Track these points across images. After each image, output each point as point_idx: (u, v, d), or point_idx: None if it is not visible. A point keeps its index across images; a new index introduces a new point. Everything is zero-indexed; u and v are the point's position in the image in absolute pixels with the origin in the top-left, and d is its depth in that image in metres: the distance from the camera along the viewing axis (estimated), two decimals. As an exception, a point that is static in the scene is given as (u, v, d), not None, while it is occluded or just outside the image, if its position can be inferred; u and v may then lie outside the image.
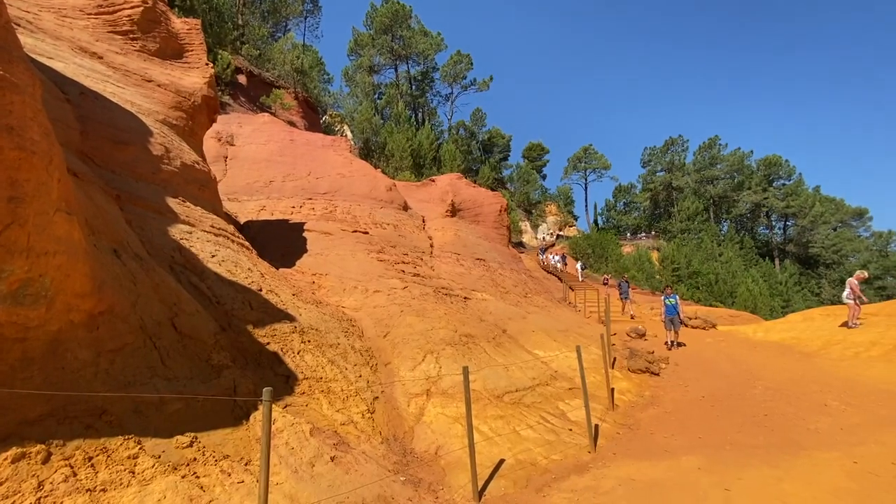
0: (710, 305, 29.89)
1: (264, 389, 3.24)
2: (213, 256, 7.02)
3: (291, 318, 6.81)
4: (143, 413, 3.72)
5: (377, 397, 6.21)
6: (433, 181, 21.79)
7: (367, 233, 12.85)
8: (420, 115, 52.84)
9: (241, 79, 26.78)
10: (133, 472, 3.26)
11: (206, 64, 10.74)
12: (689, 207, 56.01)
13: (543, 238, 53.99)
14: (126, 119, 7.76)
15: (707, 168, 59.17)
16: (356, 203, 14.58)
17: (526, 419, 6.53)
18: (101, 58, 9.05)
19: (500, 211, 21.70)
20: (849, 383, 8.03)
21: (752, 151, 58.65)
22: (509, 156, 63.15)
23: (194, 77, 10.14)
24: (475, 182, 31.43)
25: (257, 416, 4.54)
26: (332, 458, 4.43)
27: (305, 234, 12.36)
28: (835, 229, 53.87)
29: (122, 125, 7.54)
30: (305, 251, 11.52)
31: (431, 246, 15.52)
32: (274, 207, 13.77)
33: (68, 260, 3.38)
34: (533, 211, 58.86)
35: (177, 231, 6.87)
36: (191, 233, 7.14)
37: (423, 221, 17.22)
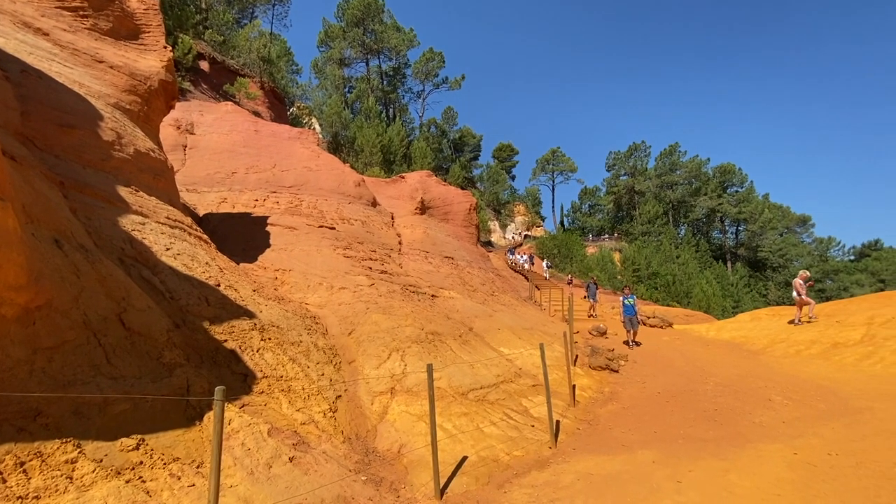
0: (668, 305, 31.20)
1: (217, 388, 3.10)
2: (167, 249, 6.68)
3: (251, 315, 6.58)
4: (83, 415, 3.48)
5: (340, 396, 6.10)
6: (403, 178, 21.63)
7: (333, 228, 12.59)
8: (391, 111, 52.36)
9: (204, 65, 25.65)
10: (71, 478, 3.05)
11: (165, 47, 10.20)
12: (650, 211, 58.18)
13: (513, 237, 54.74)
14: (73, 101, 7.27)
15: (667, 174, 61.62)
16: (323, 198, 14.27)
17: (490, 416, 6.58)
18: (46, 34, 8.43)
19: (470, 209, 21.79)
20: (791, 379, 8.55)
21: (709, 159, 61.59)
22: (480, 155, 63.66)
23: (151, 60, 9.61)
24: (445, 180, 31.44)
25: (211, 417, 4.35)
26: (291, 459, 4.30)
27: (269, 228, 11.99)
28: (781, 235, 57.32)
29: (69, 107, 7.06)
30: (269, 246, 11.18)
31: (400, 243, 15.41)
32: (236, 200, 13.28)
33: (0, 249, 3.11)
34: (502, 211, 59.53)
35: (128, 222, 6.50)
36: (144, 224, 6.77)
37: (392, 218, 17.07)
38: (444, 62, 52.30)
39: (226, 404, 4.70)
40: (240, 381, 5.36)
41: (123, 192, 7.07)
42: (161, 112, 9.91)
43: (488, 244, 44.20)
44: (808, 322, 12.12)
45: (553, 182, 70.35)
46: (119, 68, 8.86)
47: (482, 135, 62.25)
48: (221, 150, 15.60)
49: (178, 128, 15.88)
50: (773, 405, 7.24)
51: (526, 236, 55.77)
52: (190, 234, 7.98)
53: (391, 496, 4.46)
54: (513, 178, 68.17)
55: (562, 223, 70.03)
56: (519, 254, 36.50)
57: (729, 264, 55.96)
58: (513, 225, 59.16)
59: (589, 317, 18.25)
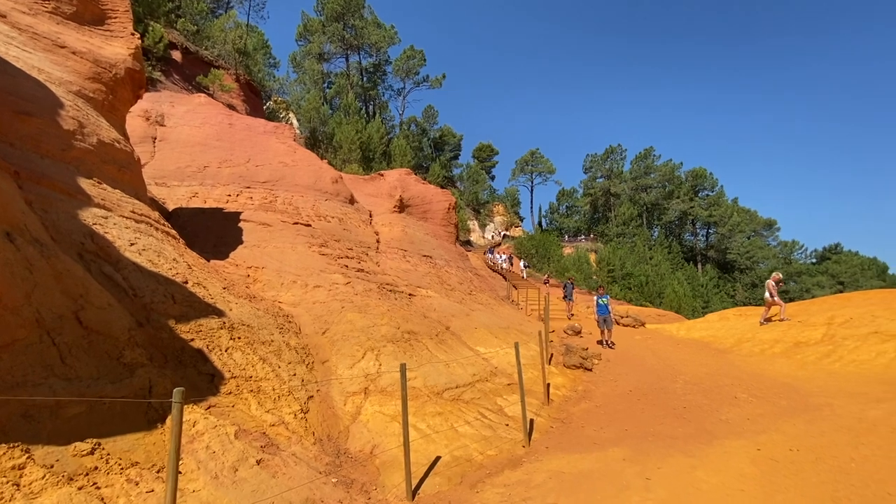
0: (641, 305, 31.93)
1: (175, 390, 2.97)
2: (132, 245, 6.42)
3: (220, 313, 6.38)
4: (34, 418, 3.29)
5: (312, 396, 5.97)
6: (382, 175, 21.43)
7: (309, 225, 12.36)
8: (371, 107, 51.88)
9: (176, 55, 24.81)
10: (18, 485, 2.87)
11: (132, 34, 9.80)
12: (625, 213, 59.46)
13: (492, 237, 55.06)
14: (32, 87, 6.90)
15: (642, 177, 63.07)
16: (299, 194, 14.00)
17: (464, 415, 6.57)
18: (3, 16, 7.98)
19: (449, 208, 21.77)
20: (756, 377, 8.84)
21: (681, 163, 63.31)
22: (460, 155, 63.76)
23: (117, 47, 9.21)
24: (425, 179, 31.34)
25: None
26: (259, 462, 4.18)
27: (242, 224, 11.68)
28: (749, 238, 59.45)
29: (27, 94, 6.69)
30: (241, 243, 10.89)
31: (378, 241, 15.26)
32: (208, 195, 12.89)
33: (-60, 242, 2.91)
34: (481, 210, 59.79)
35: (89, 215, 6.21)
36: (107, 218, 6.48)
37: (370, 216, 16.89)
38: (424, 60, 52.15)
39: (191, 406, 4.55)
40: (206, 381, 5.19)
41: (85, 184, 6.75)
42: (128, 102, 9.52)
43: (467, 244, 44.32)
44: (781, 322, 12.56)
45: (532, 183, 71.11)
46: (82, 54, 8.46)
47: (462, 134, 62.38)
48: (193, 143, 15.12)
49: (148, 119, 15.32)
50: (738, 402, 7.46)
51: (505, 236, 56.17)
52: (157, 229, 7.69)
53: (362, 498, 4.38)
54: (492, 178, 68.61)
55: (540, 224, 70.84)
56: (498, 253, 36.71)
57: (699, 266, 57.72)
58: (492, 225, 59.51)
59: (570, 316, 18.47)
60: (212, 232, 11.15)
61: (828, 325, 11.00)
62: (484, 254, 38.12)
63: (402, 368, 4.66)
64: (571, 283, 19.73)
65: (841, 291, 40.26)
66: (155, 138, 15.02)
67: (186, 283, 6.59)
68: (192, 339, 5.56)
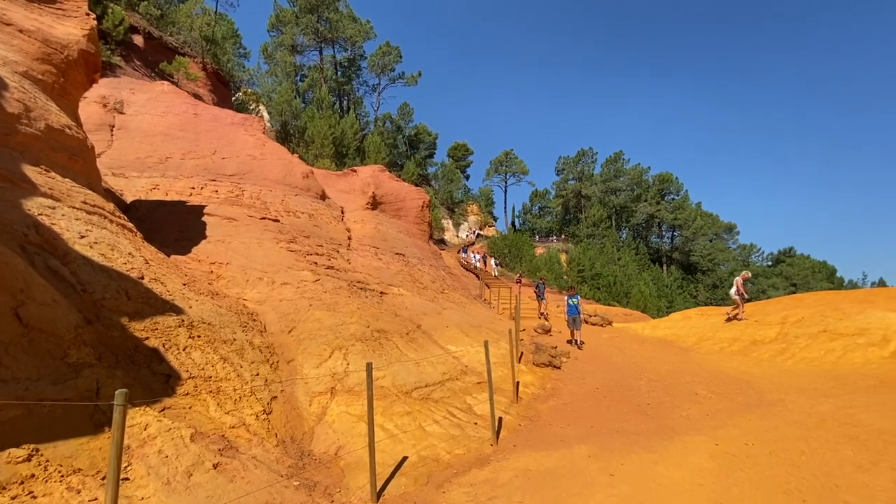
0: (609, 304, 32.74)
1: (117, 392, 2.79)
2: (82, 237, 6.04)
3: (179, 311, 6.09)
4: (-39, 423, 3.03)
5: (276, 397, 5.78)
6: (355, 171, 21.10)
7: (277, 220, 12.02)
8: (345, 102, 51.07)
9: (138, 40, 23.67)
10: (-61, 498, 2.63)
11: (88, 14, 9.24)
12: (595, 215, 60.81)
13: (466, 236, 55.21)
14: (-31, 66, 6.39)
15: (612, 180, 64.64)
16: (267, 188, 13.60)
17: (433, 414, 6.52)
18: (-62, -12, 7.37)
19: (423, 206, 21.66)
20: (715, 374, 9.18)
21: (649, 167, 65.23)
22: (435, 153, 63.58)
23: (70, 27, 8.67)
24: (400, 176, 31.09)
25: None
26: (215, 466, 4.00)
27: (206, 218, 11.24)
28: (711, 241, 61.89)
29: (-36, 72, 6.20)
30: (205, 237, 10.48)
31: (349, 238, 15.01)
32: (169, 187, 12.35)
33: None
34: (455, 209, 59.88)
35: (34, 205, 5.80)
36: (54, 208, 6.08)
37: (342, 212, 16.60)
38: (400, 57, 51.72)
39: (144, 408, 4.32)
40: (162, 382, 4.94)
41: (31, 171, 6.31)
42: (81, 86, 8.98)
43: (441, 242, 44.30)
44: (739, 321, 13.10)
45: (506, 183, 71.72)
46: (31, 33, 7.91)
47: (438, 133, 62.23)
48: (155, 132, 14.45)
49: (105, 106, 14.54)
50: (699, 399, 7.72)
51: (478, 235, 56.45)
52: (112, 221, 7.29)
53: (325, 501, 4.26)
54: (467, 177, 68.80)
55: (513, 224, 71.58)
56: (472, 252, 36.83)
57: (664, 267, 59.66)
58: (466, 224, 59.71)
59: (542, 315, 18.61)
60: (173, 226, 10.68)
61: (781, 324, 11.54)
62: (458, 252, 38.18)
63: (368, 368, 4.56)
64: (543, 283, 19.90)
65: (794, 292, 42.48)
66: (113, 126, 14.27)
67: (142, 278, 6.26)
68: (147, 338, 5.29)
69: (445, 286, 17.15)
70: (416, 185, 27.29)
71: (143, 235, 8.54)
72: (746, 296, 13.38)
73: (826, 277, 56.79)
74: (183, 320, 5.92)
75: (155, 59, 24.06)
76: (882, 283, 54.19)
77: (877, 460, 4.21)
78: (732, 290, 13.47)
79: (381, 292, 11.95)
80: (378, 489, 4.48)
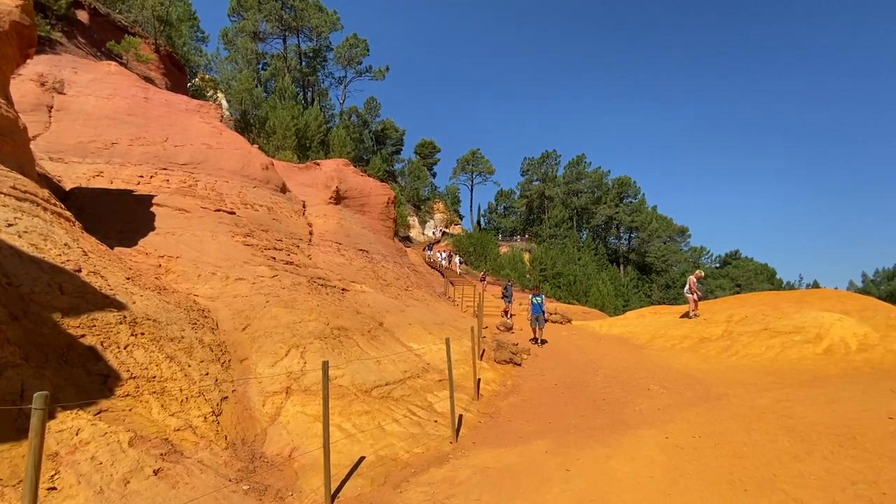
0: (569, 303, 33.63)
1: (36, 395, 2.54)
2: (9, 226, 5.54)
3: (121, 306, 5.69)
4: None
5: (226, 397, 5.51)
6: (318, 165, 20.55)
7: (233, 213, 11.51)
8: (309, 94, 49.72)
9: (82, 15, 22.00)
10: None
11: (21, -17, 8.47)
12: (558, 215, 62.31)
13: (433, 234, 55.14)
14: None
15: (574, 182, 66.45)
16: (224, 179, 12.99)
17: (393, 413, 6.43)
18: None
19: (388, 203, 21.40)
20: (666, 370, 9.57)
21: (609, 171, 67.55)
22: (402, 150, 63.10)
23: (0, -4, 7.91)
24: (365, 172, 30.60)
25: (53, 426, 3.64)
26: (157, 472, 3.75)
27: (155, 209, 10.60)
28: (665, 243, 64.85)
29: None
30: (153, 229, 9.88)
31: (311, 233, 14.60)
32: (115, 175, 11.56)
33: None
34: (422, 207, 59.66)
35: (-48, 189, 5.26)
36: (-24, 193, 5.53)
37: (304, 206, 16.13)
38: (368, 50, 50.86)
39: (76, 411, 4.00)
40: (98, 383, 4.59)
41: (-52, 151, 5.72)
42: (12, 61, 8.22)
43: (406, 239, 44.01)
44: (689, 318, 13.73)
45: (472, 182, 72.19)
46: (-48, -1, 7.17)
47: (405, 129, 61.75)
48: (100, 115, 13.49)
49: (43, 85, 13.44)
50: (651, 394, 8.02)
51: (444, 233, 56.53)
52: (45, 209, 6.72)
53: (277, 505, 4.09)
54: (434, 175, 68.67)
55: (478, 223, 72.19)
56: (438, 251, 36.79)
57: (621, 267, 61.96)
58: (432, 222, 59.63)
59: (510, 316, 18.64)
60: (118, 216, 10.01)
61: (727, 322, 12.20)
62: (423, 250, 38.05)
63: (325, 365, 4.42)
64: (510, 284, 19.87)
65: (738, 293, 45.13)
66: (51, 107, 13.20)
67: (79, 271, 5.81)
68: (83, 336, 4.90)
69: (410, 283, 17.03)
70: (382, 181, 26.95)
71: (83, 226, 7.94)
72: (699, 294, 14.03)
73: (767, 279, 60.71)
74: (125, 316, 5.53)
75: (102, 37, 22.45)
76: (816, 285, 58.49)
77: (811, 450, 4.50)
78: (686, 289, 14.11)
79: (343, 289, 11.70)
80: (333, 491, 4.35)
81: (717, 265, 68.56)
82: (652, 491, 4.29)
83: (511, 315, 18.10)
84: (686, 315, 14.09)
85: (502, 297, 19.31)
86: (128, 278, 6.74)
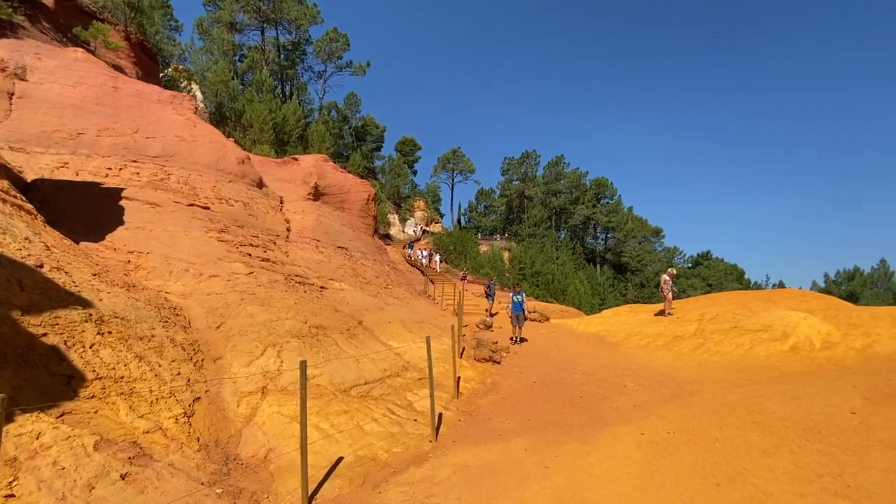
0: (547, 301, 34.03)
1: (-8, 398, 2.39)
2: (-37, 218, 5.22)
3: (86, 304, 5.44)
4: None
5: (199, 398, 5.34)
6: (296, 160, 20.18)
7: (207, 208, 11.17)
8: (288, 88, 48.78)
9: (46, -1, 20.97)
10: None
11: (-21, -39, 8.00)
12: (537, 215, 63.00)
13: (413, 231, 54.93)
14: None
15: (553, 182, 67.30)
16: (197, 173, 12.60)
17: (372, 413, 6.35)
18: None
19: (368, 200, 21.19)
20: (642, 367, 9.77)
21: (587, 172, 68.66)
22: (382, 147, 62.60)
23: (-45, -26, 7.45)
24: (345, 168, 30.24)
25: (11, 429, 3.45)
26: (124, 476, 3.59)
27: (124, 202, 10.20)
28: (640, 243, 66.33)
29: None
30: (122, 224, 9.51)
31: (288, 230, 14.32)
32: (81, 166, 11.07)
33: None
34: (402, 204, 59.37)
35: None
36: (-73, 183, 5.19)
37: (281, 202, 15.82)
38: (348, 45, 50.23)
39: (37, 414, 3.80)
40: (62, 384, 4.37)
41: None
42: (-31, 43, 7.76)
43: (387, 237, 43.73)
44: (664, 316, 14.05)
45: (453, 181, 72.21)
46: None
47: (386, 126, 61.28)
48: (65, 104, 12.90)
49: (4, 70, 12.76)
50: (627, 391, 8.17)
51: (424, 231, 56.40)
52: (4, 201, 6.39)
53: (252, 508, 3.98)
54: (415, 172, 68.40)
55: (459, 221, 72.29)
56: (419, 249, 36.66)
57: (598, 266, 63.10)
58: (412, 219, 59.41)
59: (493, 315, 18.65)
60: (84, 210, 9.59)
61: (699, 321, 12.55)
62: (403, 248, 37.86)
63: (302, 365, 4.32)
64: (493, 284, 19.86)
65: (709, 292, 46.58)
66: (12, 94, 12.53)
67: (41, 266, 5.53)
68: (45, 334, 4.66)
69: (390, 281, 16.91)
70: (362, 178, 26.63)
71: (46, 219, 7.59)
72: (674, 291, 14.37)
73: (736, 279, 62.77)
74: (91, 314, 5.29)
75: (68, 22, 21.45)
76: (781, 285, 60.84)
77: (779, 444, 4.65)
78: (662, 287, 14.45)
79: (322, 287, 11.52)
80: (310, 493, 4.27)
81: (690, 265, 70.54)
82: (629, 487, 4.36)
83: (494, 314, 18.17)
84: (661, 313, 14.43)
85: (486, 297, 19.39)
86: (94, 274, 6.46)
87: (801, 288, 26.96)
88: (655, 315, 14.55)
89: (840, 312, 11.16)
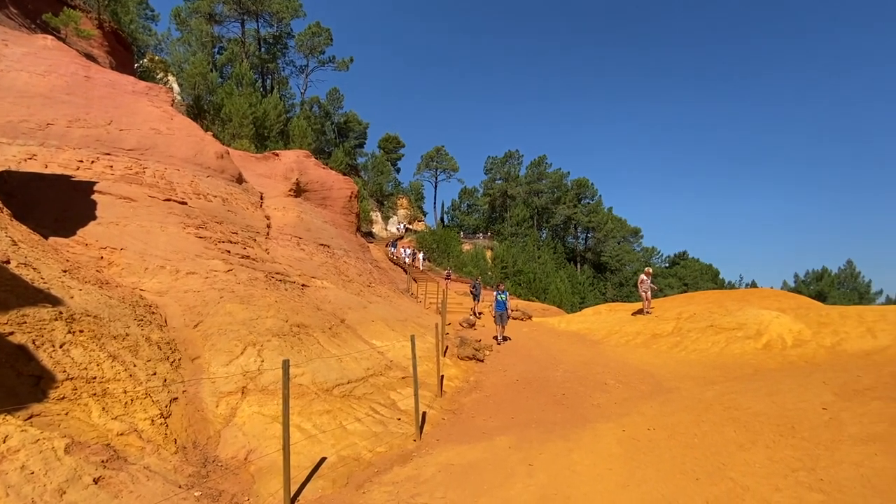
0: (529, 300, 34.33)
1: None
2: (-78, 210, 4.94)
3: (56, 301, 5.23)
4: None
5: (176, 398, 5.19)
6: (277, 155, 19.82)
7: (185, 203, 10.87)
8: (268, 81, 47.91)
9: (13, -17, 20.04)
10: None
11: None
12: (519, 214, 63.48)
13: (396, 229, 54.66)
14: None
15: (535, 182, 67.91)
16: (175, 167, 12.25)
17: (355, 412, 6.29)
18: None
19: (351, 197, 20.97)
20: (622, 365, 9.94)
21: (569, 172, 69.44)
22: (365, 143, 62.11)
23: (-87, -48, 7.04)
24: (327, 164, 29.87)
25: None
26: (96, 480, 3.46)
27: (97, 196, 9.85)
28: (619, 243, 67.49)
29: None
30: (94, 219, 9.18)
31: (269, 226, 14.05)
32: (51, 158, 10.63)
33: None
34: (385, 202, 59.04)
35: None
36: None
37: (262, 198, 15.52)
38: (331, 40, 49.61)
39: (2, 416, 3.63)
40: (30, 385, 4.19)
41: None
42: (-72, 26, 7.35)
43: (369, 235, 43.42)
44: (643, 315, 14.31)
45: (436, 179, 72.19)
46: None
47: (369, 123, 60.83)
48: (33, 93, 12.36)
49: (-35, 56, 12.14)
50: (608, 388, 8.29)
51: (407, 229, 56.21)
52: (-34, 193, 6.07)
53: (232, 511, 3.89)
54: (398, 170, 68.18)
55: (442, 219, 72.26)
56: (402, 247, 36.48)
57: (578, 266, 64.01)
58: (395, 217, 59.14)
59: (479, 314, 18.58)
60: (54, 204, 9.22)
61: (677, 319, 12.84)
62: (386, 246, 37.65)
63: (285, 364, 4.24)
64: (479, 283, 19.71)
65: (686, 292, 47.72)
66: (-25, 81, 11.96)
67: (7, 262, 5.28)
68: (12, 333, 4.46)
69: (373, 279, 16.78)
70: (345, 175, 26.34)
71: (13, 213, 7.27)
72: (654, 289, 14.64)
73: (711, 279, 64.48)
74: (61, 312, 5.08)
75: (36, 8, 20.57)
76: (754, 284, 62.79)
77: (755, 440, 4.79)
78: (640, 286, 14.71)
79: (303, 285, 11.35)
80: (293, 494, 4.19)
81: (667, 265, 72.15)
82: (611, 483, 4.42)
83: (479, 314, 18.17)
84: (640, 312, 14.70)
85: (472, 296, 19.32)
86: (65, 271, 6.21)
87: (772, 287, 27.87)
88: (634, 314, 14.81)
89: (810, 311, 11.56)
